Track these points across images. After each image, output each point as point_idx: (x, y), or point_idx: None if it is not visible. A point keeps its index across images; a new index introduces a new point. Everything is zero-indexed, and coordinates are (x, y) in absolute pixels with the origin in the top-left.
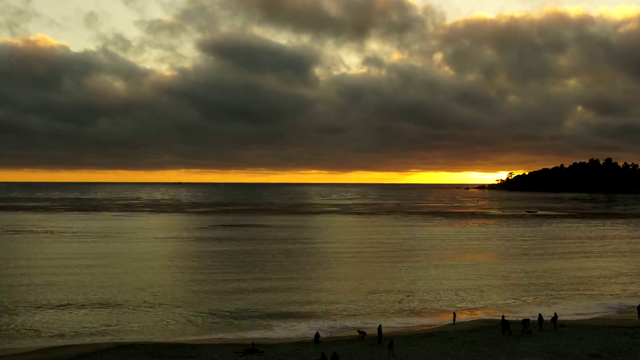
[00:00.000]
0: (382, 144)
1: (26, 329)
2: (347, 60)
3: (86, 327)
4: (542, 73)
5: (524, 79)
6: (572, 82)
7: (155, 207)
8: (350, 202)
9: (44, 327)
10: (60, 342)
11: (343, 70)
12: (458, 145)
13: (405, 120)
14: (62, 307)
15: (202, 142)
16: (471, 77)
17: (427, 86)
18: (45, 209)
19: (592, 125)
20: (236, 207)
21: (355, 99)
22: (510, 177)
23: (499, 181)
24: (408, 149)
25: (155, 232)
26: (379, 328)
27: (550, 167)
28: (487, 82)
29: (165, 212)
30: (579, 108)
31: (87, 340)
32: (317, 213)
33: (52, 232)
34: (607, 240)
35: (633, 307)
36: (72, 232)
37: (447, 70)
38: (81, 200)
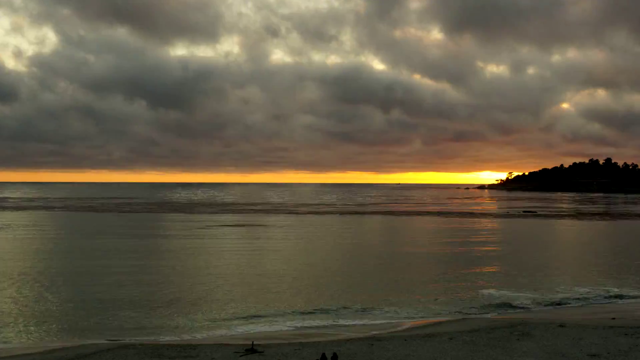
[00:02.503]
0: (341, 136)
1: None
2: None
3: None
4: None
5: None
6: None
7: None
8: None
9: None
10: (60, 342)
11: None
12: (427, 140)
13: (356, 101)
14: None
15: (132, 135)
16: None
17: (378, 49)
18: None
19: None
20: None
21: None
22: (510, 177)
23: (499, 181)
24: (375, 143)
25: None
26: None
27: (549, 166)
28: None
29: None
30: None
31: (87, 340)
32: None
33: None
34: None
35: None
36: None
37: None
38: None
